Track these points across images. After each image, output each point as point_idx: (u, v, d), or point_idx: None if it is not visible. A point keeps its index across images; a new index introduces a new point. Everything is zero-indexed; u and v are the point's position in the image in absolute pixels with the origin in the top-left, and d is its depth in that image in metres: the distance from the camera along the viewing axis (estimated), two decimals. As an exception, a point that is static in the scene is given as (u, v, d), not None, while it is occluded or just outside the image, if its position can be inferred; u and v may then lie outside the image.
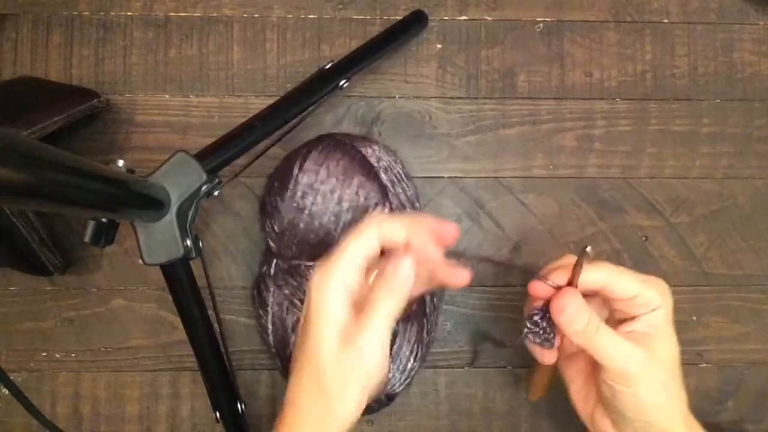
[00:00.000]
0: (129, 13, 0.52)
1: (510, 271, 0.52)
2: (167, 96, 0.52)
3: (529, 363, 0.51)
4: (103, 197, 0.34)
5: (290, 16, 0.53)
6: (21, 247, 0.46)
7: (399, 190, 0.48)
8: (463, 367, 0.51)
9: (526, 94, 0.53)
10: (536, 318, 0.38)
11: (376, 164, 0.47)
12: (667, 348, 0.37)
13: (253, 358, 0.51)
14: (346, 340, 0.34)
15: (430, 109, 0.53)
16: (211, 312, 0.46)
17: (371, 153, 0.48)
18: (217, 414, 0.46)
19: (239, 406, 0.46)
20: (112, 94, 0.52)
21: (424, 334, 0.47)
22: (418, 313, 0.47)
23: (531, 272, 0.38)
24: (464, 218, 0.52)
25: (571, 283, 0.36)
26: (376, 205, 0.46)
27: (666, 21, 0.54)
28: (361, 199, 0.46)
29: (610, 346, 0.36)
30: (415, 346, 0.47)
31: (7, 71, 0.52)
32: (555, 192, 0.52)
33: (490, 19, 0.53)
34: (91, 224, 0.40)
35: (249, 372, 0.51)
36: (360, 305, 0.37)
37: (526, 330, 0.38)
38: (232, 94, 0.52)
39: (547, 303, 0.37)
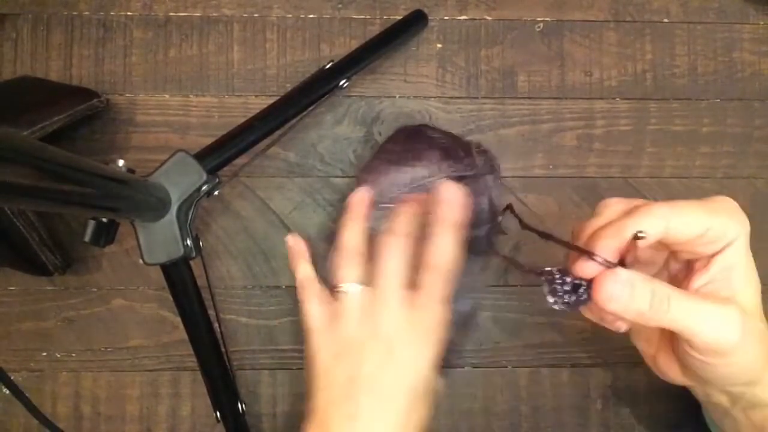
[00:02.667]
0: (129, 13, 0.52)
1: (510, 270, 0.52)
2: (167, 96, 0.52)
3: (531, 364, 0.51)
4: (103, 197, 0.34)
5: (290, 15, 0.53)
6: (21, 247, 0.46)
7: None
8: (463, 367, 0.51)
9: (526, 93, 0.53)
10: (560, 286, 0.30)
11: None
12: (753, 287, 0.30)
13: (253, 358, 0.51)
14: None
15: (430, 109, 0.53)
16: (211, 312, 0.46)
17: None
18: (218, 414, 0.46)
19: (239, 406, 0.46)
20: (112, 94, 0.52)
21: None
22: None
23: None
24: (464, 218, 0.52)
25: (622, 261, 0.29)
26: None
27: (666, 21, 0.54)
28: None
29: (695, 320, 0.28)
30: None
31: (7, 71, 0.52)
32: (555, 192, 0.52)
33: (490, 18, 0.53)
34: (91, 224, 0.40)
35: (249, 372, 0.51)
36: None
37: (547, 288, 0.31)
38: (232, 94, 0.52)
39: (580, 279, 0.30)
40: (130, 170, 0.40)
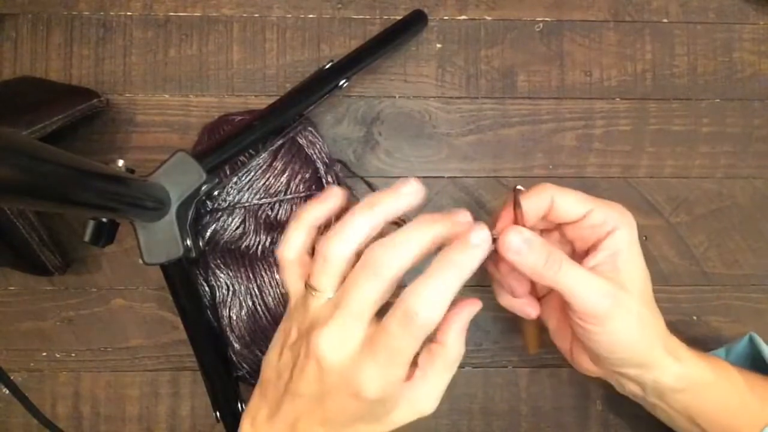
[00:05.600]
0: (129, 13, 0.52)
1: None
2: (167, 96, 0.52)
3: (531, 364, 0.51)
4: (103, 197, 0.34)
5: (290, 15, 0.53)
6: (21, 247, 0.46)
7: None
8: (463, 367, 0.51)
9: (526, 93, 0.53)
10: None
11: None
12: (636, 274, 0.35)
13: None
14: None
15: (429, 109, 0.53)
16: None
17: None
18: (217, 414, 0.46)
19: (239, 406, 0.46)
20: (112, 94, 0.52)
21: None
22: None
23: None
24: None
25: (516, 224, 0.34)
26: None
27: (666, 21, 0.54)
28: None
29: (576, 284, 0.33)
30: None
31: (7, 71, 0.52)
32: (555, 192, 0.52)
33: (489, 18, 0.53)
34: (91, 224, 0.40)
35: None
36: None
37: None
38: (231, 94, 0.52)
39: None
40: (130, 170, 0.40)
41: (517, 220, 0.35)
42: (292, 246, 0.35)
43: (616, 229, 0.35)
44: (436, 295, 0.30)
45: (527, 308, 0.39)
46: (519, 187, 0.34)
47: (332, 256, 0.32)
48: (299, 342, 0.33)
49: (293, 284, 0.35)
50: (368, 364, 0.31)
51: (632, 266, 0.35)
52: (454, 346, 0.34)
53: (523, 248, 0.33)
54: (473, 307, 0.35)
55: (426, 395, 0.34)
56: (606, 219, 0.35)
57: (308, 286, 0.33)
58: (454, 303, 0.33)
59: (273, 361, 0.35)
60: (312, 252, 0.36)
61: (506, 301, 0.40)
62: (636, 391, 0.39)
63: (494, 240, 0.34)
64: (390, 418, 0.33)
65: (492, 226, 0.36)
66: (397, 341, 0.30)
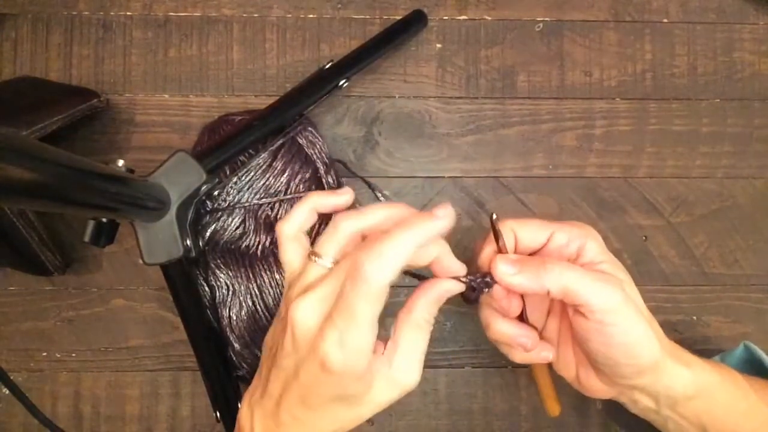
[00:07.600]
0: (129, 13, 0.52)
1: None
2: (167, 96, 0.52)
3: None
4: (103, 197, 0.34)
5: (290, 15, 0.53)
6: (21, 247, 0.46)
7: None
8: (463, 367, 0.51)
9: (526, 93, 0.53)
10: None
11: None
12: (621, 272, 0.36)
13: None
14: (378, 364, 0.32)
15: (429, 109, 0.53)
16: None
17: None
18: (217, 414, 0.46)
19: (239, 406, 0.46)
20: (112, 94, 0.52)
21: None
22: None
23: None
24: (464, 218, 0.52)
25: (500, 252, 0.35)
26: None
27: (666, 21, 0.54)
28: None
29: (584, 281, 0.33)
30: None
31: (7, 71, 0.52)
32: (555, 192, 0.52)
33: (489, 18, 0.53)
34: (91, 224, 0.40)
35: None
36: None
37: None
38: (231, 94, 0.52)
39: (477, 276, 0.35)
40: (130, 170, 0.40)
41: (500, 250, 0.35)
42: (293, 222, 0.35)
43: (585, 244, 0.36)
44: (386, 257, 0.30)
45: (543, 353, 0.39)
46: (494, 215, 0.34)
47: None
48: (285, 314, 0.33)
49: (292, 259, 0.35)
50: (329, 330, 0.31)
51: (614, 267, 0.36)
52: (419, 311, 0.33)
53: (517, 267, 0.34)
54: (447, 284, 0.34)
55: (402, 365, 0.33)
56: (569, 237, 0.36)
57: (311, 253, 0.33)
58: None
59: (268, 338, 0.36)
60: (308, 235, 0.36)
61: (521, 356, 0.39)
62: (649, 405, 0.38)
63: (490, 279, 0.34)
64: (370, 398, 0.33)
65: (473, 264, 0.36)
66: (350, 302, 0.30)
